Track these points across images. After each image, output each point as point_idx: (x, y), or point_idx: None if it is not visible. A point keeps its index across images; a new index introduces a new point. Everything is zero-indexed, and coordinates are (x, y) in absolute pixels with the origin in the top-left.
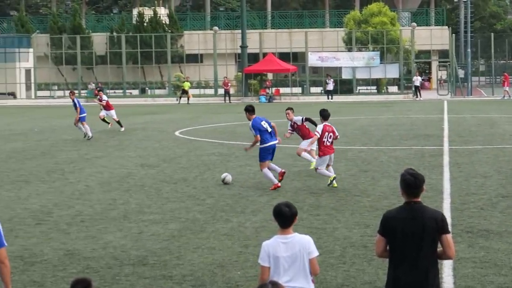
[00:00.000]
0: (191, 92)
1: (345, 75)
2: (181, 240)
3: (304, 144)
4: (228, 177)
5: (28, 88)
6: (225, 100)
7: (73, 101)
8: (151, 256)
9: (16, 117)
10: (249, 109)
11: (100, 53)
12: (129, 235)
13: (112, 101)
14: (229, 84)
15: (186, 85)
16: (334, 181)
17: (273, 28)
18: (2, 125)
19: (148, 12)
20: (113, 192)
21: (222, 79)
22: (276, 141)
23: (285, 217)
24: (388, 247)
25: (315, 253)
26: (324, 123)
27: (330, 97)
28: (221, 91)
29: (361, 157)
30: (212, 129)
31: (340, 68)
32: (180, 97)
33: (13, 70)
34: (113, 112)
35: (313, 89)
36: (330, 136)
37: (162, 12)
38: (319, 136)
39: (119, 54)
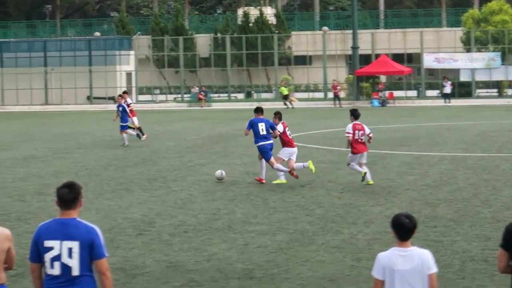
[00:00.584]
0: (297, 95)
1: (464, 77)
2: (289, 253)
3: (283, 153)
4: (218, 173)
5: (129, 92)
6: (334, 104)
7: (119, 104)
8: (258, 269)
9: (117, 122)
10: (257, 110)
11: (203, 55)
12: (234, 247)
13: (216, 106)
14: (339, 87)
15: (284, 91)
16: (366, 177)
17: (386, 28)
18: (102, 131)
19: (254, 12)
20: (218, 201)
21: (331, 82)
22: (265, 142)
23: (405, 229)
24: (511, 262)
25: (434, 268)
26: (353, 122)
27: (447, 100)
28: (330, 94)
29: (482, 165)
30: (321, 135)
31: (458, 70)
32: (290, 102)
33: (114, 73)
34: (135, 119)
35: (429, 92)
36: (362, 133)
37: (269, 11)
38: (351, 136)
39: (223, 56)
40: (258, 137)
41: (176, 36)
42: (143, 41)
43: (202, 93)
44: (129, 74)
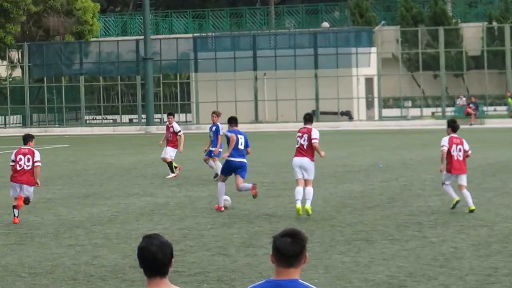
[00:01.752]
0: None
1: None
2: None
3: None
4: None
5: (369, 105)
6: None
7: (215, 124)
8: None
9: (352, 146)
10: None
11: (473, 53)
12: None
13: (492, 123)
14: None
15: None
16: (469, 204)
17: None
18: (334, 159)
19: None
20: (492, 257)
21: None
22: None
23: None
24: None
25: None
26: (450, 135)
27: None
28: None
29: None
30: None
31: None
32: None
33: (348, 79)
34: (170, 149)
35: None
36: (460, 149)
37: None
38: (446, 149)
39: (501, 53)
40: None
41: (435, 27)
42: (388, 34)
43: (471, 105)
44: (369, 80)
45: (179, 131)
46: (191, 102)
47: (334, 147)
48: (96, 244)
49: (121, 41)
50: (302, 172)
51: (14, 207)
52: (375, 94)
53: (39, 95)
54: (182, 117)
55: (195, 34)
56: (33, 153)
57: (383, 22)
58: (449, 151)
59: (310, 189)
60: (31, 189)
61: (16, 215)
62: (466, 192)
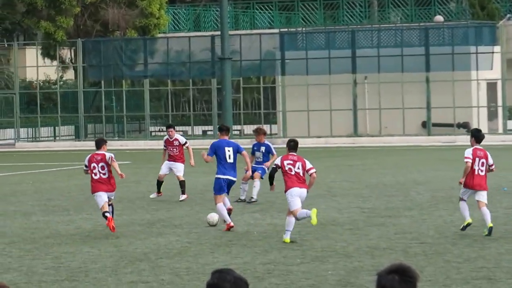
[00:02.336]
0: None
1: None
2: None
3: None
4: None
5: (491, 115)
6: None
7: (262, 143)
8: None
9: None
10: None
11: None
12: None
13: None
14: None
15: None
16: (487, 225)
17: None
18: (449, 180)
19: None
20: None
21: None
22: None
23: None
24: None
25: None
26: (474, 146)
27: None
28: None
29: None
30: None
31: None
32: None
33: (466, 84)
34: (181, 166)
35: None
36: (483, 163)
37: None
38: (470, 161)
39: None
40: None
41: None
42: None
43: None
44: (491, 85)
45: (186, 143)
46: (276, 111)
47: (449, 166)
48: (163, 281)
49: (193, 38)
50: (299, 202)
51: (104, 212)
52: (499, 102)
53: (95, 101)
54: (266, 128)
55: (282, 30)
56: (105, 157)
57: (508, 15)
58: (472, 164)
59: (292, 220)
60: (113, 195)
61: (110, 215)
62: (485, 210)
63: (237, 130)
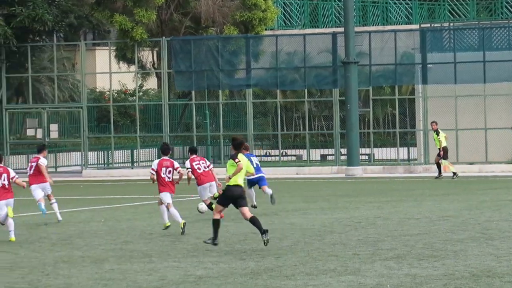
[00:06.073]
0: None
1: None
2: None
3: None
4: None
5: None
6: None
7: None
8: None
9: None
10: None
11: None
12: None
13: None
14: None
15: None
16: None
17: None
18: None
19: None
20: None
21: None
22: None
23: None
24: None
25: None
26: None
27: None
28: None
29: None
30: None
31: None
32: None
33: None
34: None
35: None
36: None
37: None
38: None
39: None
40: None
41: None
42: None
43: None
44: None
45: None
46: (416, 130)
47: None
48: None
49: (309, 36)
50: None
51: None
52: None
53: (184, 117)
54: (403, 152)
55: (423, 25)
56: (173, 164)
57: None
58: None
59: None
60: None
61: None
62: None
63: (365, 155)
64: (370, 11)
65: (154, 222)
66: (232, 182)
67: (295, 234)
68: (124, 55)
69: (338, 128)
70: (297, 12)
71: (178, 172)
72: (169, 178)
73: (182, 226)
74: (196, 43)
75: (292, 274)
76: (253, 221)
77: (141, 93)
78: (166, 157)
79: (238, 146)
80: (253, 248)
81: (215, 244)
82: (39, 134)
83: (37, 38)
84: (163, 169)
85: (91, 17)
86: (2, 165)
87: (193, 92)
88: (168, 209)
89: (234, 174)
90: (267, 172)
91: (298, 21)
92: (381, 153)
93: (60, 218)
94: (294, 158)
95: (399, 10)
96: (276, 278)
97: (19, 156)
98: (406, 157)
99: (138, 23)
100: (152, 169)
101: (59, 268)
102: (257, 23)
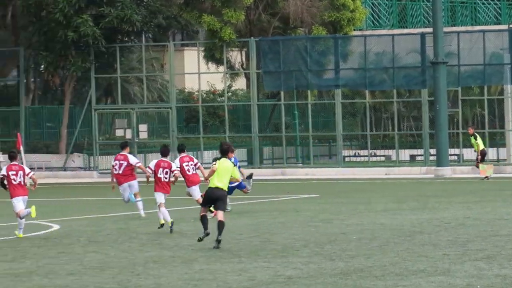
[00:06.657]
0: None
1: None
2: None
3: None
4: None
5: None
6: None
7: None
8: None
9: None
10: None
11: None
12: None
13: None
14: None
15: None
16: None
17: None
18: None
19: None
20: None
21: None
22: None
23: None
24: None
25: None
26: None
27: None
28: None
29: None
30: None
31: None
32: None
33: None
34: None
35: None
36: None
37: None
38: None
39: None
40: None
41: None
42: None
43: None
44: None
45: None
46: (505, 131)
47: None
48: None
49: (398, 36)
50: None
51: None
52: None
53: (273, 118)
54: (492, 153)
55: None
56: (170, 166)
57: None
58: None
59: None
60: None
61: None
62: None
63: (454, 155)
64: (458, 11)
65: (242, 222)
66: (210, 184)
67: (384, 235)
68: (213, 55)
69: (427, 129)
70: (386, 13)
71: (174, 175)
72: (165, 178)
73: (170, 225)
74: (285, 43)
75: (382, 275)
76: (219, 225)
77: (230, 94)
78: (165, 159)
79: (225, 152)
80: (343, 248)
81: (207, 234)
82: (129, 135)
83: (126, 39)
84: (160, 169)
85: (180, 18)
86: (16, 162)
87: (282, 93)
88: (159, 208)
89: (208, 176)
90: (356, 173)
91: (386, 21)
92: (470, 153)
93: (143, 215)
94: (383, 158)
95: (488, 10)
96: (365, 279)
97: (108, 156)
98: (495, 157)
99: (227, 23)
100: (150, 168)
101: (149, 268)
102: (346, 24)
